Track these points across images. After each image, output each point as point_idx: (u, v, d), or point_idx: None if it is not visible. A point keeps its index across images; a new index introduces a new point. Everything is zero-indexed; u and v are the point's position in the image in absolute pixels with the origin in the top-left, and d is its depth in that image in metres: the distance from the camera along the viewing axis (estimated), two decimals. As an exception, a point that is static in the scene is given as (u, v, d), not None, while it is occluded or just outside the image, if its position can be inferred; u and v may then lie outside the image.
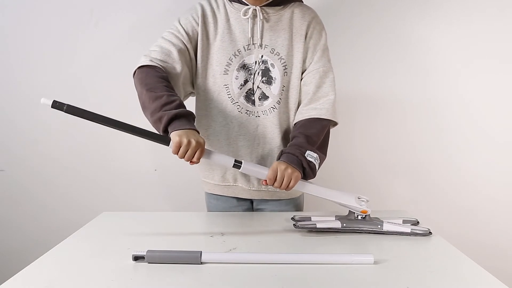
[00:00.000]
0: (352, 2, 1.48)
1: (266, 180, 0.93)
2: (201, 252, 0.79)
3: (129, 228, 1.03)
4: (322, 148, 1.04)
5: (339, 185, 1.19)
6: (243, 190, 1.14)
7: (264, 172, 0.93)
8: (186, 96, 1.15)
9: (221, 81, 1.05)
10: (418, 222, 1.04)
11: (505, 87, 1.52)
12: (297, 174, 0.93)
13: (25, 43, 1.51)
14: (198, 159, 0.87)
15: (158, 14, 1.49)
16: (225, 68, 1.04)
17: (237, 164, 0.92)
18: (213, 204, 1.21)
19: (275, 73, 1.05)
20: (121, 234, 0.98)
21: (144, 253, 0.78)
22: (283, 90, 1.06)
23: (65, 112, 0.81)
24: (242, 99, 1.06)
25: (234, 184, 1.14)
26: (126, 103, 1.33)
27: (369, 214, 0.98)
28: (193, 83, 1.11)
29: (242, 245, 0.89)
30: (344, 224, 0.97)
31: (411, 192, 1.64)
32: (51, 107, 0.79)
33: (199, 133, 0.90)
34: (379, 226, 0.96)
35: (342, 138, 1.47)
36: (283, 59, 1.04)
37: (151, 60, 0.98)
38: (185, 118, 0.90)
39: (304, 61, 1.06)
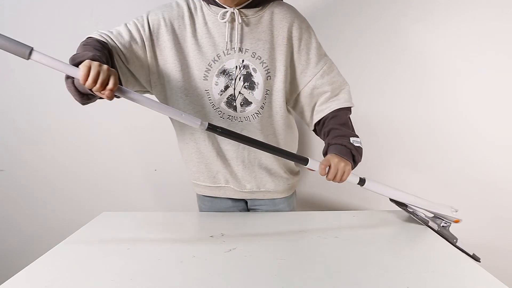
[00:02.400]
0: (348, 3, 1.48)
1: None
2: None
3: (129, 228, 1.03)
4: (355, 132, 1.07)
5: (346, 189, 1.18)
6: (235, 191, 1.13)
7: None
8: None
9: (202, 86, 1.00)
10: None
11: (505, 88, 1.52)
12: (349, 167, 0.95)
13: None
14: (114, 85, 0.76)
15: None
16: (204, 74, 0.99)
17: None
18: (207, 206, 1.19)
19: (258, 78, 1.00)
20: (121, 234, 0.98)
21: None
22: (266, 94, 1.02)
23: (218, 134, 0.87)
24: (223, 105, 1.01)
25: (226, 185, 1.12)
26: (125, 102, 1.33)
27: (450, 225, 1.03)
28: (146, 82, 1.03)
29: (242, 245, 0.89)
30: (438, 229, 1.02)
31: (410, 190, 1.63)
32: (205, 129, 0.85)
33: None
34: (455, 240, 1.00)
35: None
36: (265, 63, 0.99)
37: (100, 35, 0.92)
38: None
39: (289, 62, 1.02)
